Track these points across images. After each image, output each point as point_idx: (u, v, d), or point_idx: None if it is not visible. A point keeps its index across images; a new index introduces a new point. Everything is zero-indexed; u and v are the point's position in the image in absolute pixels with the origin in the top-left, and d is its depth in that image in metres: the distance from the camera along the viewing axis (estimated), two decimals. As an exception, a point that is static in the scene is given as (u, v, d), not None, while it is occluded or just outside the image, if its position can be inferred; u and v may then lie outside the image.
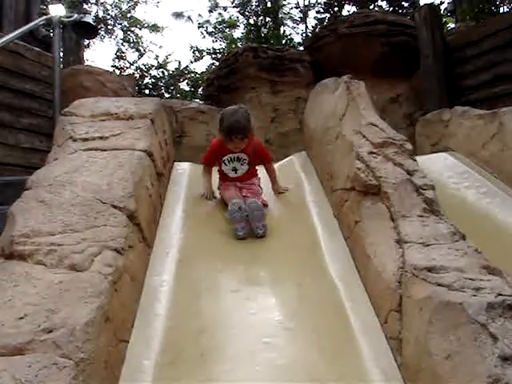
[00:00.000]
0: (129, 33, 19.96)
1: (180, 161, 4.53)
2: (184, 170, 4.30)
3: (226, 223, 3.42)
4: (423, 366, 1.92)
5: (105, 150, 3.13)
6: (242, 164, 3.82)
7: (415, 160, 3.13)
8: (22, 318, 1.85)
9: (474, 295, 1.94)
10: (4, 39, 5.54)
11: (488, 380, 1.66)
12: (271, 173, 4.01)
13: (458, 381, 1.73)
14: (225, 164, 3.82)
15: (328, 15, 15.92)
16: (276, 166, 4.57)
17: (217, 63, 14.16)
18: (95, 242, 2.31)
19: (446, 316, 1.89)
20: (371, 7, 14.19)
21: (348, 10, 15.57)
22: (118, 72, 16.22)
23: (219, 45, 19.16)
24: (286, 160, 4.74)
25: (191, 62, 18.72)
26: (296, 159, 4.63)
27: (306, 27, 18.14)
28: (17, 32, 5.89)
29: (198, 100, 13.79)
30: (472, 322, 1.81)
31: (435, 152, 4.94)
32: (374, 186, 2.89)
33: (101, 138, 3.29)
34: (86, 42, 15.81)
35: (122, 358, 2.17)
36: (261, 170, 4.01)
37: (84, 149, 3.14)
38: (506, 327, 1.81)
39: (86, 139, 3.26)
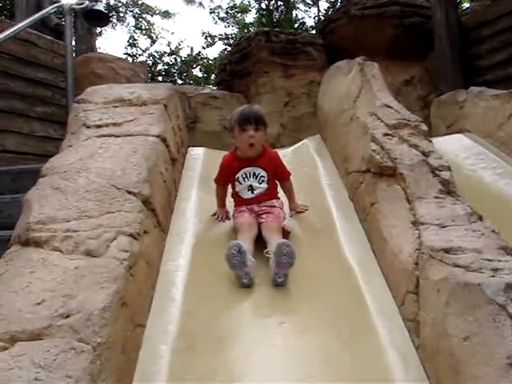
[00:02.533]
0: (140, 20, 19.97)
1: (194, 146, 4.52)
2: (198, 155, 4.29)
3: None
4: (441, 347, 1.91)
5: (118, 136, 3.12)
6: (259, 182, 3.19)
7: (431, 141, 3.10)
8: (39, 304, 1.86)
9: (492, 276, 1.92)
10: (16, 27, 5.54)
11: (507, 361, 1.65)
12: (288, 190, 3.38)
13: (477, 362, 1.72)
14: (239, 182, 3.22)
15: (340, -3, 15.80)
16: (290, 149, 4.57)
17: (229, 48, 14.13)
18: (110, 227, 2.31)
19: (463, 297, 1.87)
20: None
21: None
22: (130, 59, 16.23)
23: (231, 30, 19.16)
24: (300, 143, 4.72)
25: (203, 48, 18.77)
26: (310, 142, 4.61)
27: (319, 10, 18.08)
28: (28, 20, 5.88)
29: (210, 86, 13.78)
30: (490, 302, 1.80)
31: (451, 133, 4.89)
32: (389, 167, 2.86)
33: (114, 124, 3.28)
34: (98, 29, 15.82)
35: (139, 342, 2.19)
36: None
37: (98, 135, 3.13)
38: (525, 308, 1.80)
39: (99, 126, 3.26)
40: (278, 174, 3.31)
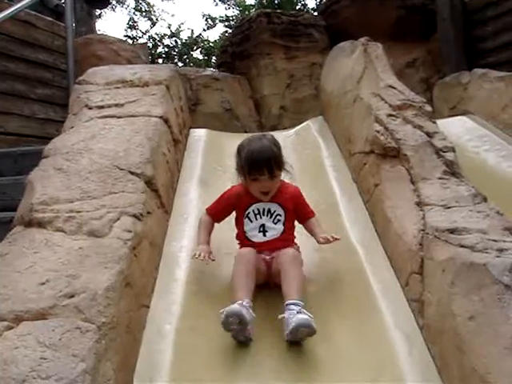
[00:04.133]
0: (140, 1, 19.77)
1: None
2: (200, 136, 4.26)
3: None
4: (446, 327, 1.91)
5: (121, 117, 3.11)
6: (274, 221, 2.57)
7: (435, 122, 3.09)
8: (43, 284, 1.86)
9: (498, 256, 1.92)
10: (15, 8, 5.50)
11: (512, 340, 1.65)
12: (316, 226, 2.64)
13: (482, 341, 1.72)
14: (249, 220, 2.58)
15: (342, -21, 15.66)
16: (292, 131, 4.53)
17: (230, 31, 14.03)
18: (113, 208, 2.31)
19: (469, 277, 1.87)
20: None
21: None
22: (130, 42, 16.14)
23: (232, 12, 18.97)
24: (302, 125, 4.67)
25: (204, 30, 18.64)
26: (313, 124, 4.57)
27: (320, -8, 17.90)
28: (27, 1, 5.84)
29: (211, 68, 13.71)
30: (496, 282, 1.79)
31: (454, 116, 4.86)
32: (393, 148, 2.85)
33: (116, 105, 3.27)
34: (98, 12, 15.70)
35: (143, 323, 2.20)
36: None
37: (100, 116, 3.13)
38: (531, 288, 1.79)
39: (101, 107, 3.25)
40: (301, 214, 2.68)
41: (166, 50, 17.52)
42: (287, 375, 1.99)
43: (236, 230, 2.67)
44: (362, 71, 3.75)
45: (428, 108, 3.19)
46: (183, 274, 2.52)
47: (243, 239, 2.60)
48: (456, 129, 4.34)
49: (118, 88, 3.50)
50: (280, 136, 3.85)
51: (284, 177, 2.71)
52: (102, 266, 1.97)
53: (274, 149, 2.58)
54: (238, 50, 8.21)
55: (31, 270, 1.94)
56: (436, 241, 2.12)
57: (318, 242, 2.55)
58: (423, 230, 2.27)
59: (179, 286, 2.44)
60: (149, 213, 2.51)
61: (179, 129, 3.76)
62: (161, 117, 3.22)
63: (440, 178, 2.62)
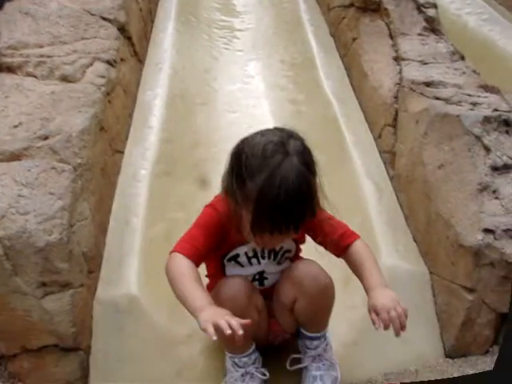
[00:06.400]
0: None
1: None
2: (174, -14, 4.05)
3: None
4: (415, 176, 1.98)
5: (90, -38, 2.94)
6: (281, 261, 1.59)
7: (418, -23, 2.99)
8: (16, 127, 1.84)
9: (471, 109, 1.96)
10: None
11: (478, 187, 1.72)
12: (365, 264, 1.49)
13: (449, 188, 1.79)
14: (238, 264, 1.55)
15: None
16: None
17: None
18: (86, 53, 2.24)
19: (441, 127, 1.91)
20: None
21: None
22: None
23: None
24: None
25: None
26: (291, -21, 4.37)
27: None
28: None
29: None
30: (467, 133, 1.84)
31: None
32: (373, 2, 2.80)
33: (85, -50, 3.08)
34: None
35: (118, 168, 2.22)
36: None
37: (67, -38, 2.94)
38: (499, 140, 1.85)
39: (68, -48, 3.05)
40: (330, 241, 1.51)
41: None
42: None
43: (206, 268, 1.64)
44: None
45: (411, -39, 3.08)
46: (157, 122, 2.49)
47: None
48: (438, -10, 4.21)
49: None
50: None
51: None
52: (76, 109, 1.94)
53: (310, 178, 1.33)
54: None
55: (3, 114, 1.90)
56: (411, 93, 2.14)
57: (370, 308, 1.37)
58: (399, 84, 2.28)
59: (153, 133, 2.43)
60: (122, 60, 2.45)
61: (152, -24, 3.56)
62: (131, -38, 3.04)
63: (419, 34, 2.61)
